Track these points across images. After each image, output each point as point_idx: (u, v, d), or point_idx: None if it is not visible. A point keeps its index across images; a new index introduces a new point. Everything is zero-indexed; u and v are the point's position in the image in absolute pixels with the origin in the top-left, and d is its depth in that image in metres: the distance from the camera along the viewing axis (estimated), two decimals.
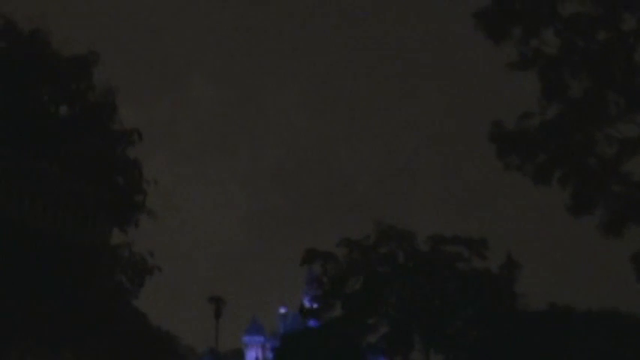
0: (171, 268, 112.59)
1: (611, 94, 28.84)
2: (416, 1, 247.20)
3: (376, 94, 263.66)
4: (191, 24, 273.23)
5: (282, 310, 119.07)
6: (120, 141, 33.32)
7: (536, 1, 29.60)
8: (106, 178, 31.85)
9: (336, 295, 67.31)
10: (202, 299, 72.36)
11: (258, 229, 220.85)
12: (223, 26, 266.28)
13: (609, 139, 28.94)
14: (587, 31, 28.84)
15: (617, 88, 28.69)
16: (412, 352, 64.94)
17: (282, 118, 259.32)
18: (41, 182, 26.31)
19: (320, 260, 67.92)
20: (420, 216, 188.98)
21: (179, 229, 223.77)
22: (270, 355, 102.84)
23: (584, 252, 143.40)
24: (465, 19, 29.94)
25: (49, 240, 26.05)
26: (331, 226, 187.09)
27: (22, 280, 26.00)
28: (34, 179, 26.19)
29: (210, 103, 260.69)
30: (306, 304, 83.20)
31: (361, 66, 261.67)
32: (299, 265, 69.47)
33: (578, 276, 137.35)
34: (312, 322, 78.58)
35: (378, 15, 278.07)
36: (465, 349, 62.23)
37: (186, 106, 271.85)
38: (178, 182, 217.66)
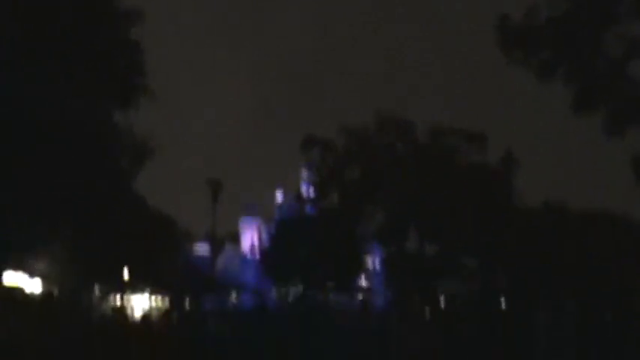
0: (172, 153, 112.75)
1: None
2: None
3: None
4: None
5: (279, 196, 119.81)
6: (122, 21, 32.63)
7: None
8: (107, 58, 31.46)
9: (333, 183, 67.70)
10: (201, 184, 72.28)
11: (260, 116, 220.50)
12: None
13: (618, 38, 28.46)
14: None
15: None
16: (407, 242, 65.71)
17: (290, 6, 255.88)
18: (42, 64, 26.07)
19: (319, 147, 67.98)
20: (420, 108, 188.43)
21: (180, 115, 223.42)
22: (265, 237, 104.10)
23: (583, 152, 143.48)
24: None
25: (50, 119, 26.02)
26: (332, 115, 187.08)
27: (25, 159, 26.12)
28: (34, 60, 25.95)
29: None
30: (304, 191, 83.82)
31: None
32: (298, 149, 69.52)
33: (575, 175, 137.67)
34: (308, 209, 79.32)
35: None
36: (459, 241, 62.86)
37: None
38: (181, 68, 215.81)
